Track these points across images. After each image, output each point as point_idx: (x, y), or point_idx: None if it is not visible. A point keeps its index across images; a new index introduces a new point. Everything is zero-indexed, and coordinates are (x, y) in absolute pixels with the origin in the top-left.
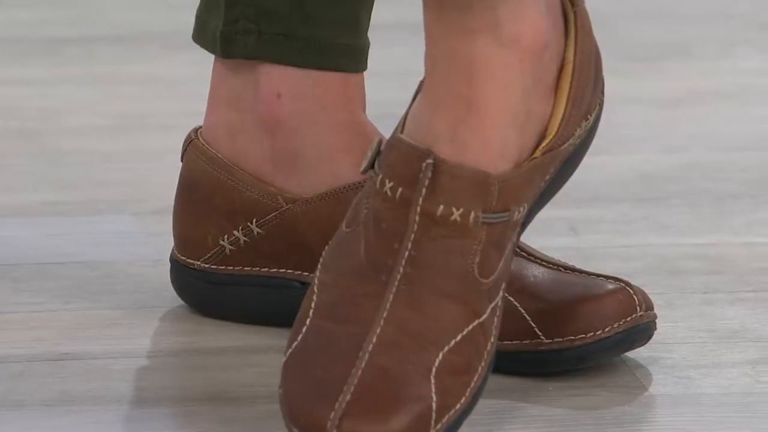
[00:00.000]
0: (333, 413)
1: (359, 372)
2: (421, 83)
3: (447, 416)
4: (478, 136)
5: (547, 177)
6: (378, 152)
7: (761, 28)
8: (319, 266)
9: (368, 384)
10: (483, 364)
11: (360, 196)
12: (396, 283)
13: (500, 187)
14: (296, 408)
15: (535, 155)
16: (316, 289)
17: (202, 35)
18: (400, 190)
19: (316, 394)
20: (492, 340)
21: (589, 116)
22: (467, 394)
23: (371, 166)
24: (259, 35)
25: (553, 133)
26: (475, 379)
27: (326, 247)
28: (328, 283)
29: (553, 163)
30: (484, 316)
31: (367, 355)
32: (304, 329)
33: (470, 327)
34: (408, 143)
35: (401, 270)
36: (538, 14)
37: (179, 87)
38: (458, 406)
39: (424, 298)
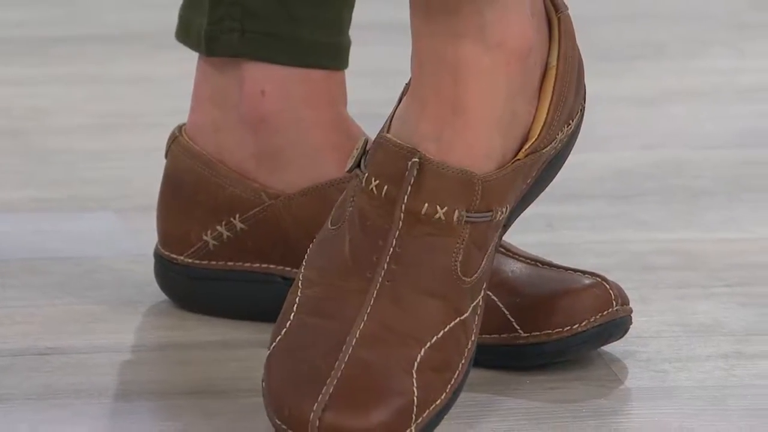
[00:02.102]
0: (316, 405)
1: (342, 366)
2: (408, 85)
3: (427, 411)
4: (463, 137)
5: (529, 180)
6: (364, 152)
7: (733, 28)
8: (303, 263)
9: (351, 378)
10: (463, 361)
11: (345, 195)
12: (380, 280)
13: (484, 187)
14: (280, 401)
15: (518, 157)
16: (300, 285)
17: (186, 34)
18: (386, 188)
19: (300, 388)
20: (473, 338)
21: (570, 121)
22: (447, 390)
23: (357, 165)
24: (243, 33)
25: (536, 136)
26: (455, 376)
27: (311, 245)
28: (312, 279)
29: (536, 165)
30: (466, 314)
31: (350, 349)
32: (288, 324)
33: (452, 324)
34: (394, 142)
35: (385, 267)
36: (524, 19)
37: (165, 86)
38: (438, 401)
39: (408, 294)
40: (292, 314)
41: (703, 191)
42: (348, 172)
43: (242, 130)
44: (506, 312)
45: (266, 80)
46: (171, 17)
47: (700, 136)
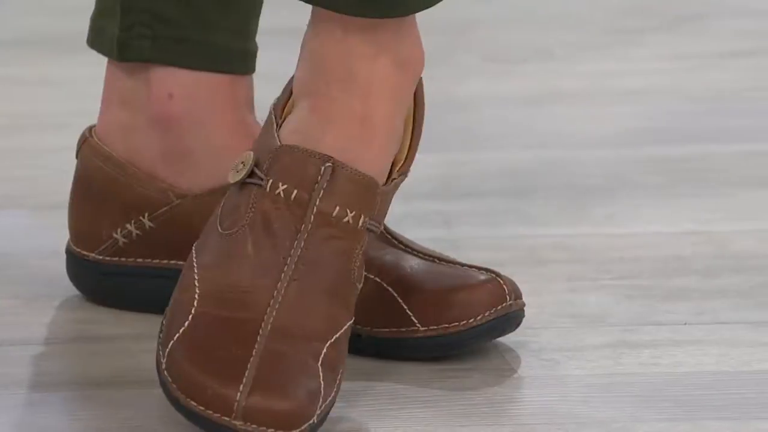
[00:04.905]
0: (242, 387)
1: (260, 352)
2: (290, 86)
3: (325, 404)
4: (368, 151)
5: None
6: (255, 164)
7: (614, 32)
8: (194, 263)
9: (269, 363)
10: (343, 365)
11: (236, 202)
12: (288, 279)
13: (380, 198)
14: (199, 385)
15: (393, 177)
16: (196, 282)
17: (98, 41)
18: (295, 192)
19: (221, 372)
20: (347, 343)
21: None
22: (335, 388)
23: (249, 175)
24: (153, 40)
25: (404, 158)
26: (339, 375)
27: (197, 246)
28: (210, 278)
29: (396, 190)
30: (353, 319)
31: (264, 339)
32: (190, 317)
33: (345, 327)
34: (304, 149)
35: (293, 266)
36: (419, 41)
37: (74, 87)
38: (330, 397)
39: (313, 294)
40: (193, 308)
41: (589, 188)
42: (234, 182)
43: (150, 132)
44: (405, 306)
45: (174, 84)
46: (77, 21)
47: (583, 135)
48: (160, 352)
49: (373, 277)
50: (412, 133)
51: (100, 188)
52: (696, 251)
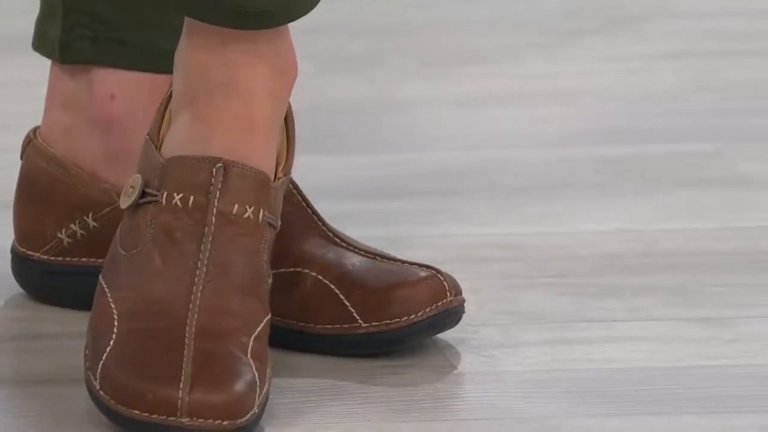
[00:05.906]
0: (182, 385)
1: (191, 353)
2: (166, 103)
3: (262, 394)
4: (256, 152)
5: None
6: (145, 184)
7: (546, 34)
8: (104, 289)
9: (202, 361)
10: (269, 359)
11: (134, 223)
12: (202, 282)
13: (274, 192)
14: (138, 393)
15: (278, 175)
16: (112, 305)
17: (41, 43)
18: (192, 198)
19: (157, 378)
20: (268, 337)
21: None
22: (267, 381)
23: (141, 196)
24: (94, 41)
25: (285, 160)
26: (269, 369)
27: (103, 274)
28: (125, 297)
29: (282, 191)
30: (270, 314)
31: (192, 340)
32: (114, 336)
33: (264, 321)
34: (192, 156)
35: (205, 269)
36: (294, 50)
37: (20, 89)
38: (265, 388)
39: (228, 293)
40: (115, 328)
41: (523, 188)
42: (125, 208)
43: (92, 133)
44: (347, 303)
45: (116, 85)
46: (25, 23)
47: (519, 136)
48: (91, 376)
49: (314, 274)
50: (288, 135)
51: (44, 189)
52: (627, 249)
